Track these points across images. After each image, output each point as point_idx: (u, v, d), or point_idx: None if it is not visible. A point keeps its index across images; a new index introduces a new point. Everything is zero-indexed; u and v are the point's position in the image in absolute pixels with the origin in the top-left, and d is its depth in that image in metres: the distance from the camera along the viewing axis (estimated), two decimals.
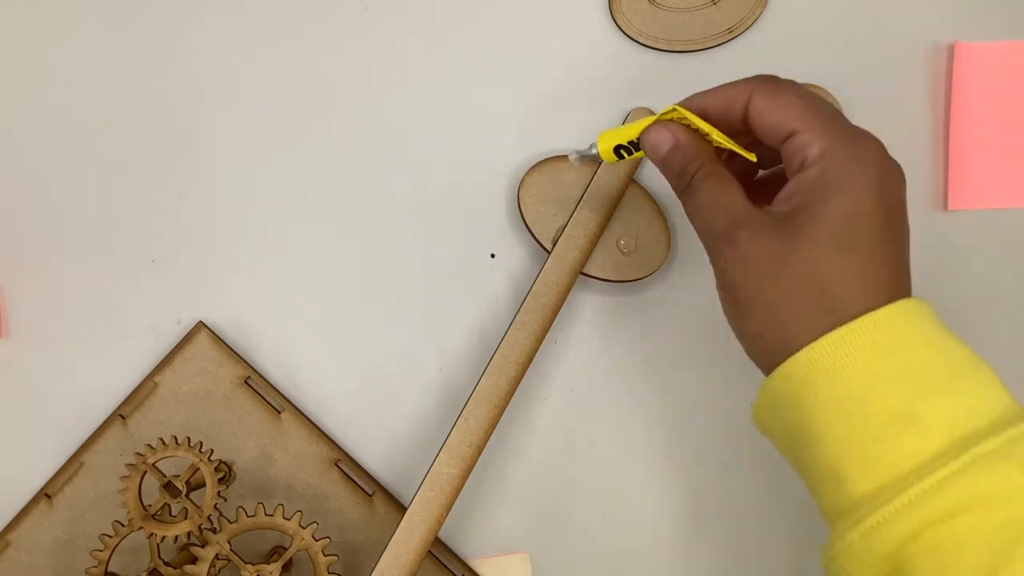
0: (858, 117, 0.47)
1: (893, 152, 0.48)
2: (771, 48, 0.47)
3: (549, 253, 0.44)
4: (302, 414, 0.45)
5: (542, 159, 0.45)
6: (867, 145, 0.33)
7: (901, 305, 0.31)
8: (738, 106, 0.34)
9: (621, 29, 0.47)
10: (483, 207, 0.47)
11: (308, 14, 0.47)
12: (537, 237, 0.44)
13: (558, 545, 0.46)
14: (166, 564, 0.39)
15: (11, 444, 0.45)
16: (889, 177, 0.33)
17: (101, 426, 0.45)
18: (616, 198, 0.44)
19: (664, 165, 0.36)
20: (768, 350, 0.33)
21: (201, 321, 0.45)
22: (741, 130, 0.35)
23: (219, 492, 0.39)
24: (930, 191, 0.47)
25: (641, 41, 0.47)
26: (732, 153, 0.35)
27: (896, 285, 0.32)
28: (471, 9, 0.47)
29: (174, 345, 0.45)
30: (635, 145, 0.38)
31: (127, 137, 0.47)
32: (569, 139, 0.46)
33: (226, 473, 0.44)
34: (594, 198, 0.44)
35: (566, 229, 0.43)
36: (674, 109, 0.35)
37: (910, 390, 0.30)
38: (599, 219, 0.44)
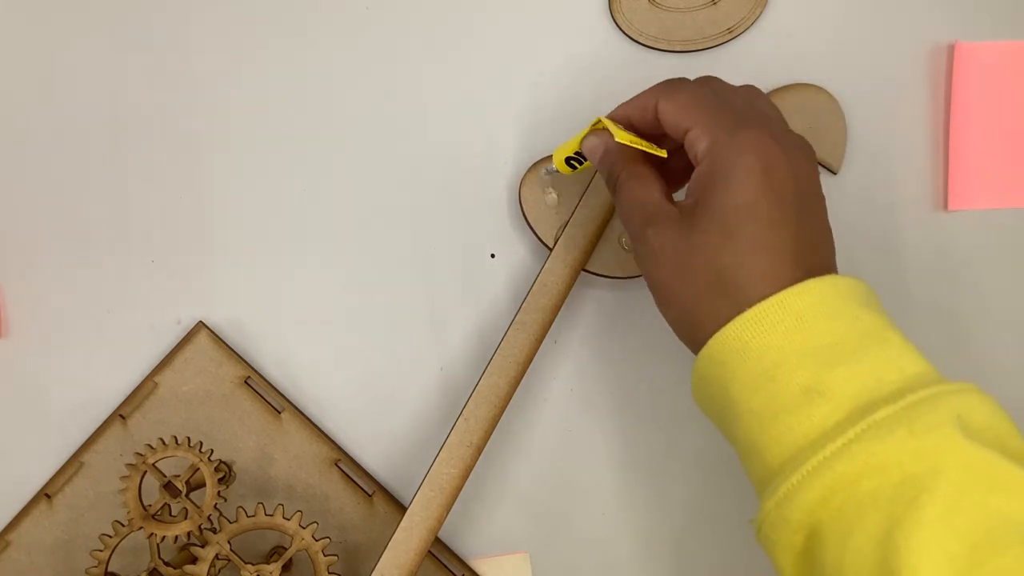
0: (858, 117, 0.47)
1: (893, 152, 0.48)
2: (771, 48, 0.47)
3: (551, 251, 0.44)
4: (302, 414, 0.45)
5: (543, 157, 0.45)
6: (747, 135, 0.34)
7: (804, 285, 0.32)
8: (650, 111, 0.37)
9: (621, 29, 0.47)
10: (483, 207, 0.47)
11: (308, 14, 0.47)
12: (539, 235, 0.44)
13: (558, 545, 0.46)
14: (166, 564, 0.39)
15: (11, 444, 0.45)
16: (775, 162, 0.33)
17: (101, 426, 0.45)
18: None
19: (599, 169, 0.39)
20: (688, 337, 0.35)
21: (201, 321, 0.45)
22: (662, 132, 0.37)
23: (219, 492, 0.39)
24: (930, 191, 0.47)
25: (641, 41, 0.47)
26: (674, 152, 0.37)
27: (795, 265, 0.33)
28: (471, 9, 0.47)
29: (174, 345, 0.45)
30: (582, 155, 0.41)
31: (127, 137, 0.47)
32: (567, 139, 0.46)
33: (226, 473, 0.44)
34: (593, 198, 0.44)
35: (566, 229, 0.43)
36: (598, 120, 0.38)
37: (816, 362, 0.32)
38: (599, 219, 0.44)
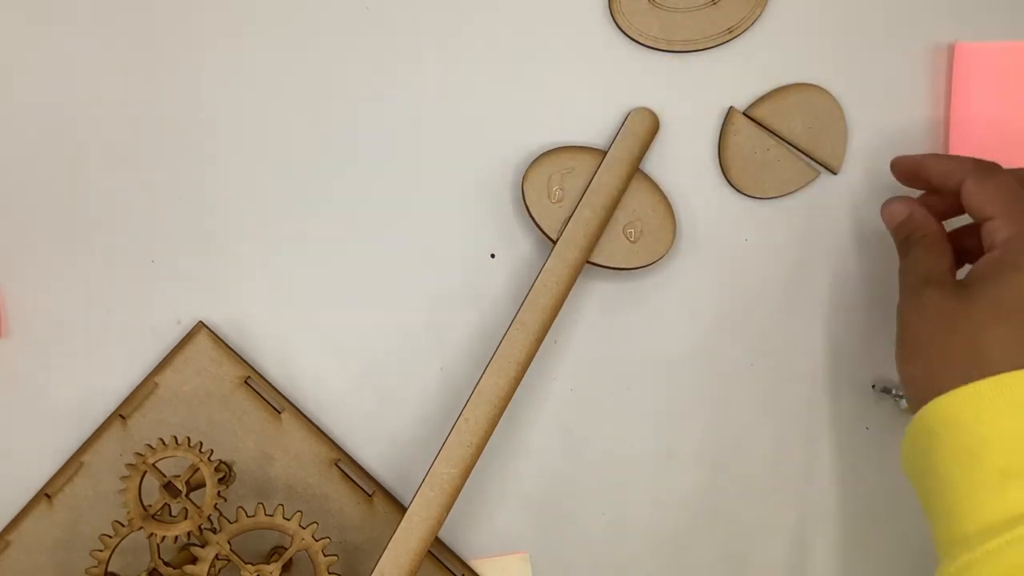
0: (858, 117, 0.47)
1: (893, 152, 0.48)
2: (771, 48, 0.47)
3: (554, 243, 0.44)
4: (302, 414, 0.45)
5: (547, 150, 0.45)
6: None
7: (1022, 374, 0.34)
8: (953, 180, 0.39)
9: (621, 29, 0.47)
10: (484, 207, 0.47)
11: (308, 14, 0.47)
12: (543, 229, 0.44)
13: (558, 545, 0.46)
14: (166, 564, 0.39)
15: (11, 444, 0.45)
16: None
17: (101, 426, 0.45)
18: (616, 197, 0.44)
19: (896, 230, 0.42)
20: (918, 396, 0.37)
21: (201, 321, 0.45)
22: (950, 204, 0.41)
23: (219, 492, 0.39)
24: None
25: (641, 41, 0.47)
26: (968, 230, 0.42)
27: None
28: (470, 9, 0.47)
29: (174, 345, 0.45)
30: None
31: (127, 137, 0.47)
32: (569, 139, 0.46)
33: (226, 473, 0.44)
34: (594, 197, 0.44)
35: (566, 229, 0.44)
36: None
37: (1020, 449, 0.33)
38: (599, 219, 0.44)
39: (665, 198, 0.45)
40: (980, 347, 0.35)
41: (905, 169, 0.43)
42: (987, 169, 0.39)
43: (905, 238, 0.41)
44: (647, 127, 0.45)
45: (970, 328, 0.36)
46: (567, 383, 0.46)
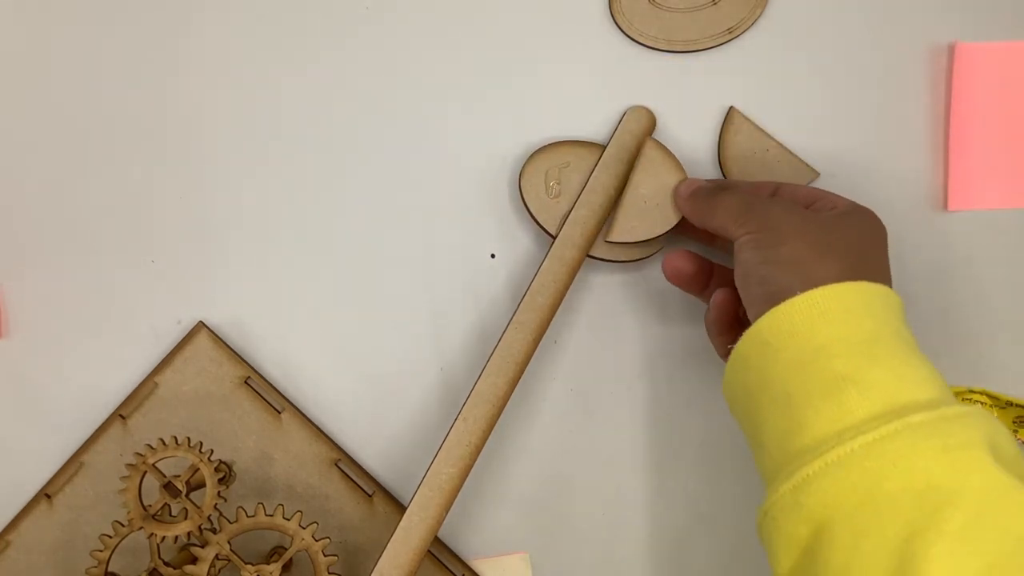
0: (858, 117, 0.47)
1: (894, 152, 0.48)
2: (771, 48, 0.47)
3: (554, 239, 0.44)
4: (302, 414, 0.45)
5: (542, 146, 0.45)
6: (876, 215, 0.40)
7: (858, 285, 0.34)
8: (766, 189, 0.42)
9: (621, 29, 0.47)
10: (483, 207, 0.47)
11: (308, 13, 0.47)
12: (542, 224, 0.44)
13: (558, 545, 0.46)
14: (166, 564, 0.39)
15: (11, 444, 0.45)
16: (878, 222, 0.39)
17: (101, 426, 0.45)
18: (614, 196, 0.44)
19: (698, 189, 0.43)
20: (782, 284, 0.36)
21: (201, 321, 0.45)
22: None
23: (219, 492, 0.39)
24: (930, 191, 0.47)
25: (641, 41, 0.47)
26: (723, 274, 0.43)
27: (870, 276, 0.35)
28: (471, 8, 0.47)
29: (174, 345, 0.45)
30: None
31: (127, 137, 0.47)
32: (569, 138, 0.46)
33: (226, 473, 0.44)
34: (591, 197, 0.44)
35: (563, 228, 0.43)
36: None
37: (858, 354, 0.32)
38: (597, 218, 0.44)
39: (675, 160, 0.44)
40: (810, 265, 0.35)
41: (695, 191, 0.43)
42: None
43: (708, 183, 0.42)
44: (643, 125, 0.45)
45: (804, 245, 0.36)
46: (567, 383, 0.46)
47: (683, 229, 0.44)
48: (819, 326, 0.33)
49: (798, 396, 0.33)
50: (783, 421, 0.33)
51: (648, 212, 0.44)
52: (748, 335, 0.35)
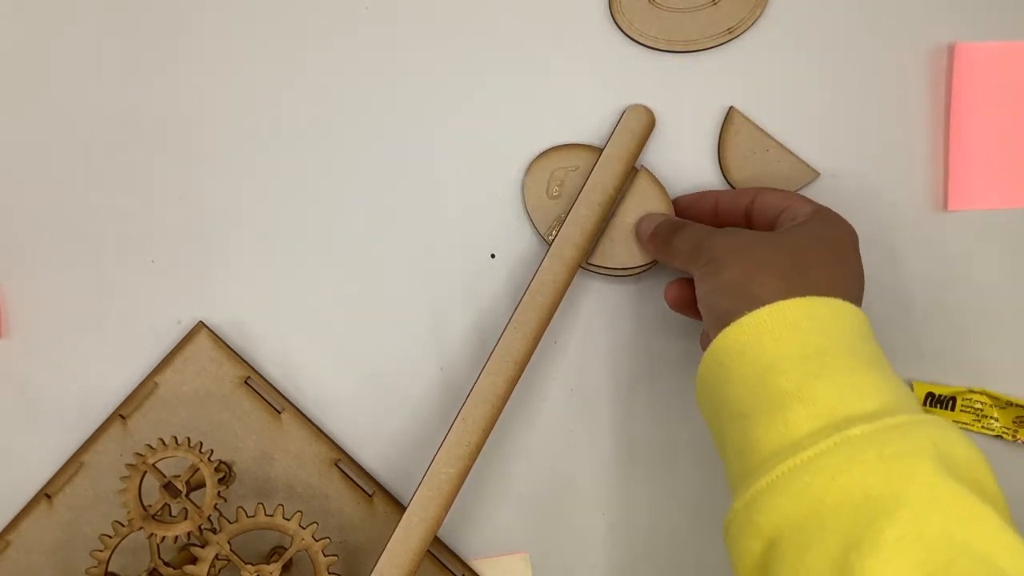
0: (858, 117, 0.47)
1: (893, 152, 0.48)
2: (771, 48, 0.47)
3: (547, 242, 0.44)
4: (302, 414, 0.45)
5: (556, 145, 0.45)
6: (843, 220, 0.40)
7: (804, 300, 0.34)
8: (743, 199, 0.43)
9: (621, 29, 0.47)
10: (483, 207, 0.47)
11: (308, 14, 0.47)
12: (534, 222, 0.44)
13: (558, 545, 0.46)
14: (166, 564, 0.39)
15: (11, 444, 0.45)
16: (841, 230, 0.39)
17: (101, 426, 0.45)
18: (613, 195, 0.44)
19: (658, 231, 0.43)
20: (728, 309, 0.36)
21: (201, 321, 0.45)
22: (737, 220, 0.43)
23: (219, 492, 0.39)
24: (930, 191, 0.47)
25: (641, 41, 0.47)
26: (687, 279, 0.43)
27: (818, 290, 0.35)
28: (471, 9, 0.47)
29: (174, 345, 0.45)
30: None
31: (127, 137, 0.47)
32: (569, 139, 0.46)
33: (226, 473, 0.44)
34: (591, 195, 0.44)
35: (563, 227, 0.43)
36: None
37: (803, 371, 0.33)
38: (596, 217, 0.44)
39: (666, 196, 0.45)
40: (748, 286, 0.36)
41: (689, 201, 0.45)
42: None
43: (663, 224, 0.42)
44: (643, 124, 0.45)
45: (742, 269, 0.37)
46: (567, 383, 0.46)
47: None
48: (766, 344, 0.34)
49: (750, 414, 0.33)
50: (739, 439, 0.34)
51: (632, 241, 0.44)
52: (705, 357, 0.36)
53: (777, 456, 0.32)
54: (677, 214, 0.45)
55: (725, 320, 0.35)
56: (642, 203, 0.45)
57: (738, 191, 0.43)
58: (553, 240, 0.43)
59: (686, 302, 0.43)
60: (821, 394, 0.32)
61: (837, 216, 0.40)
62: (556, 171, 0.45)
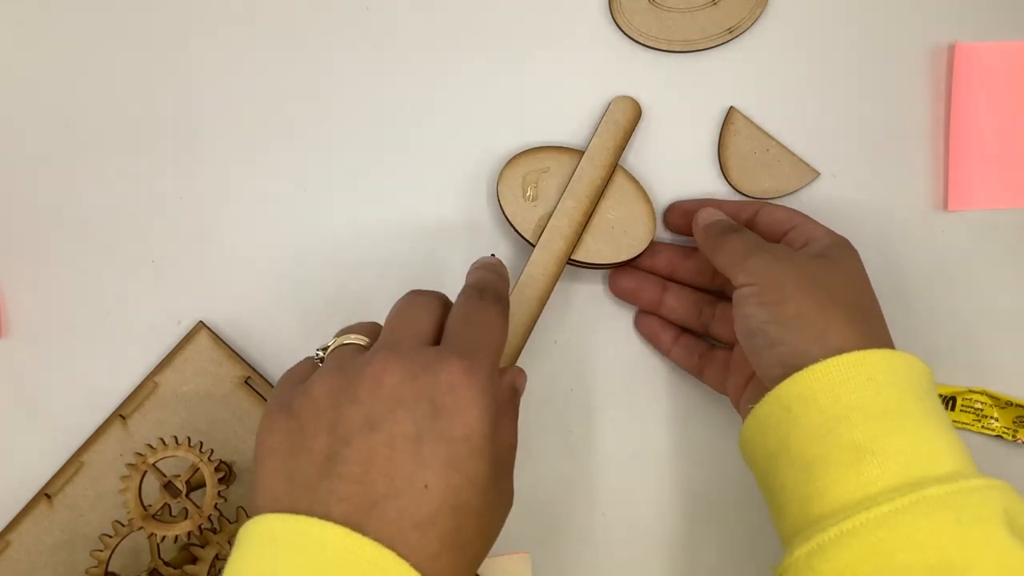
0: (858, 117, 0.47)
1: (893, 152, 0.48)
2: (771, 48, 0.47)
3: (532, 245, 0.44)
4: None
5: (519, 152, 0.45)
6: (852, 245, 0.40)
7: (882, 352, 0.34)
8: (749, 210, 0.43)
9: (621, 29, 0.47)
10: (483, 206, 0.47)
11: (308, 14, 0.47)
12: (517, 228, 0.44)
13: (558, 545, 0.46)
14: (166, 564, 0.39)
15: (11, 444, 0.45)
16: (861, 262, 0.39)
17: (101, 426, 0.45)
18: (600, 186, 0.44)
19: (714, 223, 0.42)
20: (795, 348, 0.35)
21: (201, 321, 0.45)
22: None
23: (219, 492, 0.39)
24: (930, 191, 0.47)
25: (641, 41, 0.47)
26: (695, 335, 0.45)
27: (875, 339, 0.36)
28: (470, 9, 0.47)
29: (174, 345, 0.45)
30: None
31: (127, 137, 0.47)
32: (568, 139, 0.46)
33: (226, 473, 0.44)
34: (578, 187, 0.44)
35: (551, 220, 0.43)
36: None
37: (876, 425, 0.32)
38: (584, 208, 0.44)
39: (645, 194, 0.45)
40: (856, 304, 0.36)
41: (690, 207, 0.44)
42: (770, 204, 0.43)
43: (720, 222, 0.41)
44: (629, 115, 0.45)
45: (839, 285, 0.37)
46: (567, 383, 0.46)
47: (672, 270, 0.45)
48: (840, 395, 0.33)
49: (817, 464, 0.33)
50: (801, 486, 0.33)
51: (615, 238, 0.44)
52: (768, 399, 0.35)
53: (848, 509, 0.32)
54: (676, 218, 0.45)
55: (792, 360, 0.34)
56: (621, 200, 0.45)
57: (740, 203, 0.44)
58: (541, 236, 0.43)
59: (632, 292, 0.44)
60: (896, 451, 0.32)
61: (847, 241, 0.40)
62: (528, 175, 0.45)
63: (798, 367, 0.34)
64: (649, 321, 0.45)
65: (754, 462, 0.37)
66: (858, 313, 0.36)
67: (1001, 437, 0.46)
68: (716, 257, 0.40)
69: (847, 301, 0.36)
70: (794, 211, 0.42)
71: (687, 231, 0.44)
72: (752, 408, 0.36)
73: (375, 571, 0.28)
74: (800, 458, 0.34)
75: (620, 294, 0.45)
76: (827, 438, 0.33)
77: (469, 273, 0.39)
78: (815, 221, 0.41)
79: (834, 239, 0.39)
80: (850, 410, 0.33)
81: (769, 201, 0.44)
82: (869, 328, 0.36)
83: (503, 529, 0.45)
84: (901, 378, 0.34)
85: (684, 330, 0.45)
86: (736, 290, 0.38)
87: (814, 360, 0.34)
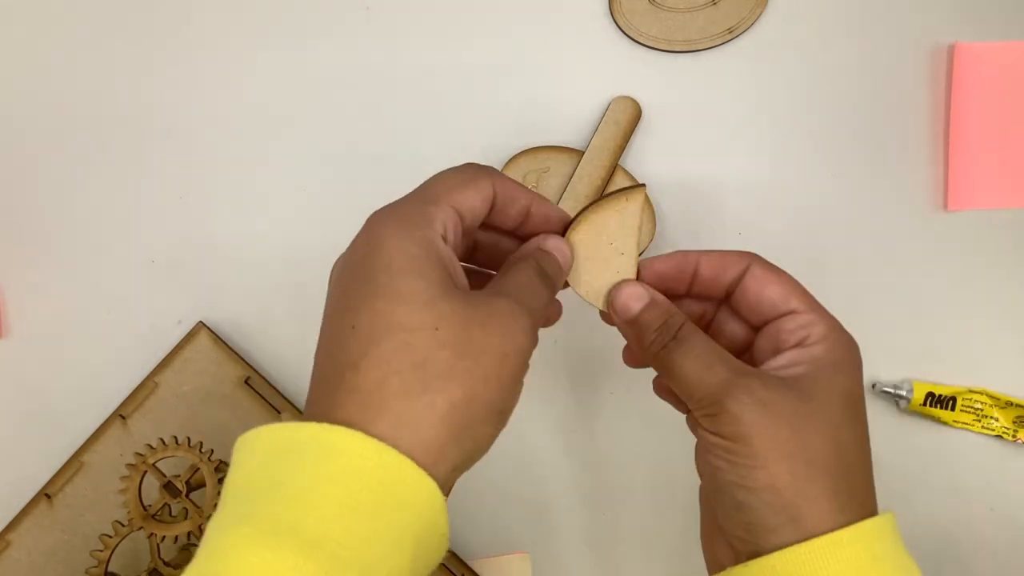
0: (859, 117, 0.47)
1: (893, 152, 0.48)
2: (771, 48, 0.47)
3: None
4: (302, 414, 0.45)
5: (518, 152, 0.45)
6: (852, 339, 0.33)
7: (863, 535, 0.30)
8: (731, 271, 0.34)
9: (621, 29, 0.47)
10: None
11: (308, 14, 0.47)
12: None
13: (558, 545, 0.46)
14: (166, 564, 0.39)
15: (11, 444, 0.45)
16: (858, 363, 0.33)
17: (101, 426, 0.45)
18: (600, 187, 0.44)
19: (638, 321, 0.34)
20: (763, 522, 0.31)
21: (201, 321, 0.45)
22: (715, 294, 0.35)
23: (219, 492, 0.39)
24: (930, 191, 0.47)
25: (641, 41, 0.47)
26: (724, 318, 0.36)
27: (865, 504, 0.31)
28: (470, 9, 0.47)
29: (174, 345, 0.45)
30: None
31: (127, 137, 0.47)
32: (568, 139, 0.46)
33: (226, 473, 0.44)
34: (578, 186, 0.44)
35: None
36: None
37: None
38: (582, 208, 0.44)
39: (652, 211, 0.45)
40: (840, 451, 0.31)
41: (665, 269, 0.35)
42: (763, 259, 0.34)
43: (663, 327, 0.33)
44: (628, 115, 0.45)
45: (824, 425, 0.31)
46: (567, 383, 0.46)
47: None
48: (840, 572, 0.29)
49: None
50: None
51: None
52: (736, 572, 0.31)
53: None
54: (647, 281, 0.35)
55: (759, 532, 0.30)
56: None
57: (723, 257, 0.35)
58: None
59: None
60: None
61: (851, 344, 0.33)
62: (528, 175, 0.45)
63: (767, 547, 0.30)
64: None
65: None
66: (840, 472, 0.31)
67: (1001, 437, 0.46)
68: (664, 375, 0.34)
69: (827, 465, 0.30)
70: (793, 285, 0.34)
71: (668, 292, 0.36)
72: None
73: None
74: None
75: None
76: None
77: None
78: (818, 305, 0.34)
79: (831, 348, 0.32)
80: None
81: (759, 257, 0.35)
82: (851, 493, 0.31)
83: (503, 529, 0.45)
84: (881, 551, 0.30)
85: None
86: (699, 428, 0.33)
87: (780, 537, 0.30)
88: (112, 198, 0.46)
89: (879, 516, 0.31)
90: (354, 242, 0.33)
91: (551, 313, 0.37)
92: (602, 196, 0.37)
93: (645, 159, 0.47)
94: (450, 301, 0.29)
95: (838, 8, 0.47)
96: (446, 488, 0.28)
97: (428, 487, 0.27)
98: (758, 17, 0.47)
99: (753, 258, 0.34)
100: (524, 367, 0.32)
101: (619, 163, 0.45)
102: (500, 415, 0.30)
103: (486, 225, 0.35)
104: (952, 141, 0.47)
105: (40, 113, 0.47)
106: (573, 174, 0.44)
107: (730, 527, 0.32)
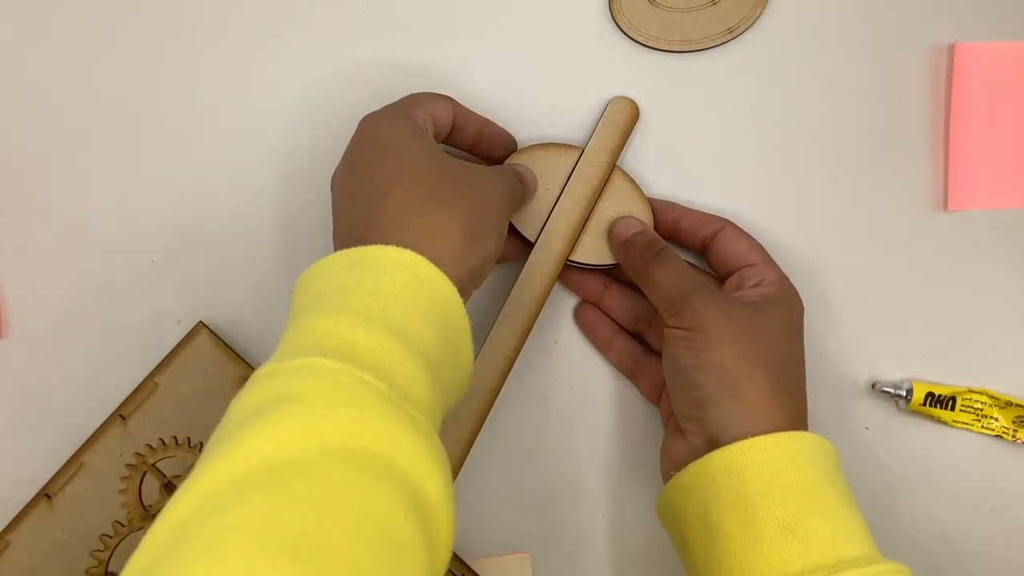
0: (858, 117, 0.47)
1: (893, 152, 0.48)
2: (771, 48, 0.47)
3: (531, 244, 0.44)
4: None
5: (523, 148, 0.45)
6: (795, 289, 0.42)
7: (802, 434, 0.36)
8: (709, 228, 0.43)
9: (621, 29, 0.47)
10: None
11: (308, 14, 0.47)
12: (515, 225, 0.44)
13: (558, 545, 0.46)
14: None
15: (11, 444, 0.45)
16: (799, 312, 0.41)
17: (101, 426, 0.45)
18: (598, 187, 0.44)
19: (630, 241, 0.42)
20: (710, 395, 0.37)
21: (201, 321, 0.45)
22: (694, 246, 0.44)
23: None
24: (930, 191, 0.47)
25: (641, 41, 0.47)
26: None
27: (797, 412, 0.38)
28: (470, 9, 0.47)
29: (174, 345, 0.45)
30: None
31: (127, 137, 0.47)
32: (567, 138, 0.46)
33: None
34: (576, 188, 0.44)
35: (548, 221, 0.43)
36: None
37: (797, 505, 0.34)
38: (581, 209, 0.44)
39: (643, 194, 0.45)
40: (782, 361, 0.38)
41: (658, 211, 0.44)
42: (737, 226, 0.43)
43: (650, 243, 0.41)
44: (627, 116, 0.45)
45: (768, 337, 0.38)
46: (567, 383, 0.46)
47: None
48: (764, 472, 0.34)
49: (736, 536, 0.34)
50: (719, 556, 0.35)
51: (607, 237, 0.44)
52: (694, 467, 0.36)
53: None
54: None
55: (709, 410, 0.36)
56: (619, 201, 0.44)
57: (703, 217, 0.44)
58: (539, 237, 0.43)
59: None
60: (814, 532, 0.33)
61: (795, 292, 0.41)
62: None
63: (722, 440, 0.36)
64: (588, 314, 0.45)
65: (670, 525, 0.39)
66: (779, 374, 0.37)
67: (1001, 437, 0.46)
68: (643, 285, 0.41)
69: (766, 359, 0.37)
70: (756, 245, 0.42)
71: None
72: (675, 476, 0.37)
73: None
74: (719, 528, 0.35)
75: (567, 283, 0.45)
76: (748, 511, 0.34)
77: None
78: (773, 263, 0.42)
79: (779, 289, 0.40)
80: (773, 489, 0.34)
81: (733, 223, 0.43)
82: (788, 399, 0.37)
83: (503, 529, 0.45)
84: (818, 461, 0.35)
85: (623, 330, 0.45)
86: (666, 327, 0.39)
87: (740, 436, 0.35)
88: (112, 198, 0.46)
89: (820, 438, 0.36)
90: (350, 142, 0.38)
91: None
92: (548, 143, 0.45)
93: (644, 159, 0.47)
94: (446, 155, 0.37)
95: (838, 8, 0.47)
96: (465, 296, 0.35)
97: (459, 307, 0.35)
98: (758, 17, 0.47)
99: (727, 222, 0.43)
100: (511, 208, 0.40)
101: (617, 163, 0.45)
102: (499, 234, 0.37)
103: (447, 142, 0.42)
104: (952, 141, 0.47)
105: (40, 113, 0.47)
106: (570, 175, 0.44)
107: (683, 407, 0.38)
